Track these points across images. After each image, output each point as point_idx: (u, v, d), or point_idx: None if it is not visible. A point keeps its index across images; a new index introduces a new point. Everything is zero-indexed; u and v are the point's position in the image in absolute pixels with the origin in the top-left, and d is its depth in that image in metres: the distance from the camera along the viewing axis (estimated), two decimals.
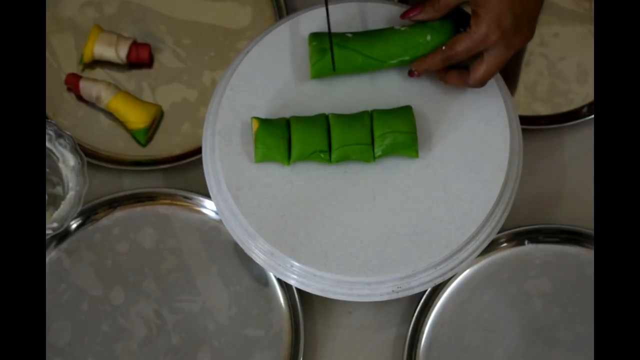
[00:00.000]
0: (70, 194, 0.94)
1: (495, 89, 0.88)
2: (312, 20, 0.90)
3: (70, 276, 0.95)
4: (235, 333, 0.94)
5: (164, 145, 1.01)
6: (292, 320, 0.94)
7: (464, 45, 0.82)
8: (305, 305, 0.95)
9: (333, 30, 0.89)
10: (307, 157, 0.86)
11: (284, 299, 0.95)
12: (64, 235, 0.97)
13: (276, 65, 0.90)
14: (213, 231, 0.97)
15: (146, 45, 1.01)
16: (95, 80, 1.00)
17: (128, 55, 1.01)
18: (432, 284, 0.87)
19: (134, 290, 0.95)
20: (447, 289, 0.95)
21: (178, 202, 0.98)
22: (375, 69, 0.88)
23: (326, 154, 0.86)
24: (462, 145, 0.87)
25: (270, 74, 0.89)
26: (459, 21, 0.85)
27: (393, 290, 0.86)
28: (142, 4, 1.05)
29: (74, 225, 0.97)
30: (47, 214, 0.94)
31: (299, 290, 0.92)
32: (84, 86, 1.00)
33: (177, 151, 1.00)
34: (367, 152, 0.86)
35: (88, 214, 0.97)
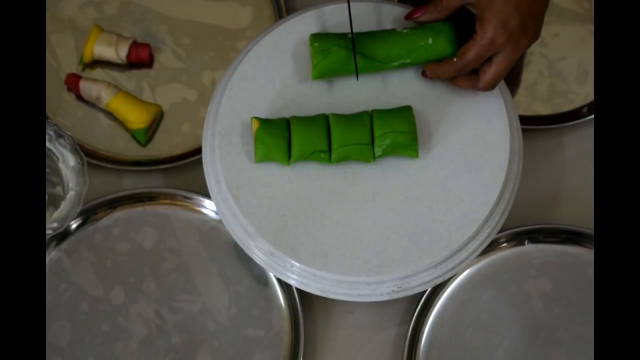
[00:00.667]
0: (70, 194, 0.94)
1: (495, 89, 0.88)
2: (312, 20, 0.90)
3: (70, 276, 0.95)
4: (235, 333, 0.94)
5: (164, 145, 1.01)
6: (292, 320, 0.94)
7: (473, 53, 0.82)
8: (305, 305, 0.95)
9: (333, 30, 0.89)
10: (307, 157, 0.86)
11: (284, 299, 0.95)
12: (64, 235, 0.97)
13: (276, 65, 0.90)
14: (213, 231, 0.97)
15: (146, 45, 1.01)
16: (95, 80, 1.00)
17: (128, 55, 1.01)
18: (432, 284, 0.87)
19: (134, 290, 0.95)
20: (447, 289, 0.95)
21: (178, 202, 0.98)
22: (377, 71, 0.88)
23: (326, 154, 0.86)
24: (462, 145, 0.87)
25: (270, 74, 0.89)
26: (463, 22, 0.85)
27: (393, 290, 0.86)
28: (142, 4, 1.05)
29: (74, 225, 0.97)
30: (47, 214, 0.94)
31: (299, 290, 0.92)
32: (84, 86, 1.00)
33: (177, 151, 1.00)
34: (367, 152, 0.86)
35: (88, 214, 0.97)
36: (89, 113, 1.02)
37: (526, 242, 0.96)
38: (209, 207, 0.97)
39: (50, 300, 0.94)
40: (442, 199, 0.86)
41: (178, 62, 1.03)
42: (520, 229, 0.96)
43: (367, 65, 0.87)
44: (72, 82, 1.00)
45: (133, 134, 1.00)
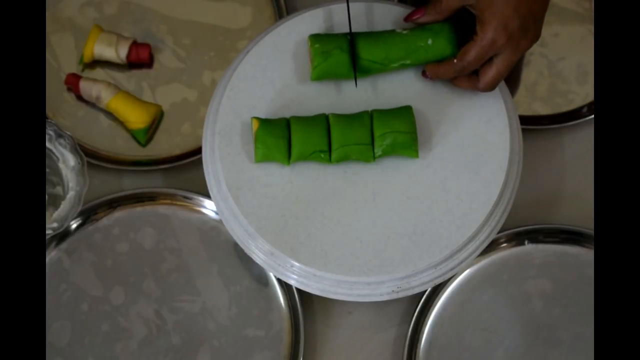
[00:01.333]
0: (70, 194, 0.94)
1: (495, 89, 0.88)
2: (312, 21, 0.90)
3: (70, 276, 0.95)
4: (235, 333, 0.94)
5: (164, 145, 1.01)
6: (292, 320, 0.94)
7: (473, 54, 0.82)
8: (305, 305, 0.95)
9: (334, 30, 0.89)
10: (307, 157, 0.86)
11: (284, 299, 0.95)
12: (64, 235, 0.97)
13: (276, 65, 0.89)
14: (213, 231, 0.97)
15: (146, 45, 1.01)
16: (95, 80, 1.00)
17: (128, 55, 1.01)
18: (432, 284, 0.87)
19: (134, 290, 0.95)
20: (447, 289, 0.95)
21: (178, 202, 0.98)
22: (377, 73, 0.88)
23: (326, 154, 0.86)
24: (462, 145, 0.87)
25: (270, 74, 0.89)
26: (463, 23, 0.85)
27: (393, 290, 0.86)
28: (142, 4, 1.05)
29: (74, 225, 0.97)
30: (47, 214, 0.94)
31: (299, 290, 0.92)
32: (84, 86, 1.00)
33: (177, 151, 1.00)
34: (367, 152, 0.86)
35: (88, 214, 0.97)
36: (89, 113, 1.02)
37: (526, 242, 0.96)
38: (209, 207, 0.97)
39: (50, 300, 0.94)
40: (442, 199, 0.86)
41: (178, 62, 1.03)
42: (520, 229, 0.96)
43: (368, 68, 0.87)
44: (72, 82, 1.00)
45: (133, 134, 1.00)
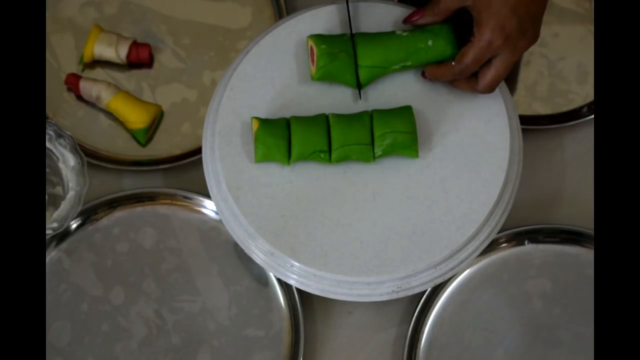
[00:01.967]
0: (70, 194, 0.94)
1: (494, 90, 0.88)
2: (312, 21, 0.90)
3: (70, 276, 0.95)
4: (235, 333, 0.94)
5: (164, 145, 1.01)
6: (292, 320, 0.94)
7: (471, 56, 0.82)
8: (305, 305, 0.95)
9: (334, 31, 0.89)
10: (307, 157, 0.86)
11: (284, 299, 0.95)
12: (64, 235, 0.97)
13: (276, 65, 0.89)
14: (213, 231, 0.97)
15: (146, 45, 1.01)
16: (95, 80, 1.00)
17: (128, 55, 1.01)
18: (432, 284, 0.87)
19: (134, 290, 0.95)
20: (447, 289, 0.95)
21: (178, 202, 0.98)
22: (377, 76, 0.87)
23: (326, 154, 0.86)
24: (462, 145, 0.87)
25: (270, 74, 0.89)
26: (463, 24, 0.85)
27: (393, 290, 0.86)
28: (142, 4, 1.05)
29: (74, 225, 0.97)
30: (47, 214, 0.94)
31: (299, 290, 0.92)
32: (84, 86, 1.00)
33: (177, 151, 1.00)
34: (367, 152, 0.86)
35: (88, 214, 0.97)
36: (89, 113, 1.02)
37: (526, 242, 0.96)
38: (209, 207, 0.97)
39: (50, 300, 0.94)
40: (442, 199, 0.86)
41: (178, 62, 1.03)
42: (520, 229, 0.96)
43: (368, 78, 0.86)
44: (72, 82, 1.00)
45: (133, 134, 1.00)
